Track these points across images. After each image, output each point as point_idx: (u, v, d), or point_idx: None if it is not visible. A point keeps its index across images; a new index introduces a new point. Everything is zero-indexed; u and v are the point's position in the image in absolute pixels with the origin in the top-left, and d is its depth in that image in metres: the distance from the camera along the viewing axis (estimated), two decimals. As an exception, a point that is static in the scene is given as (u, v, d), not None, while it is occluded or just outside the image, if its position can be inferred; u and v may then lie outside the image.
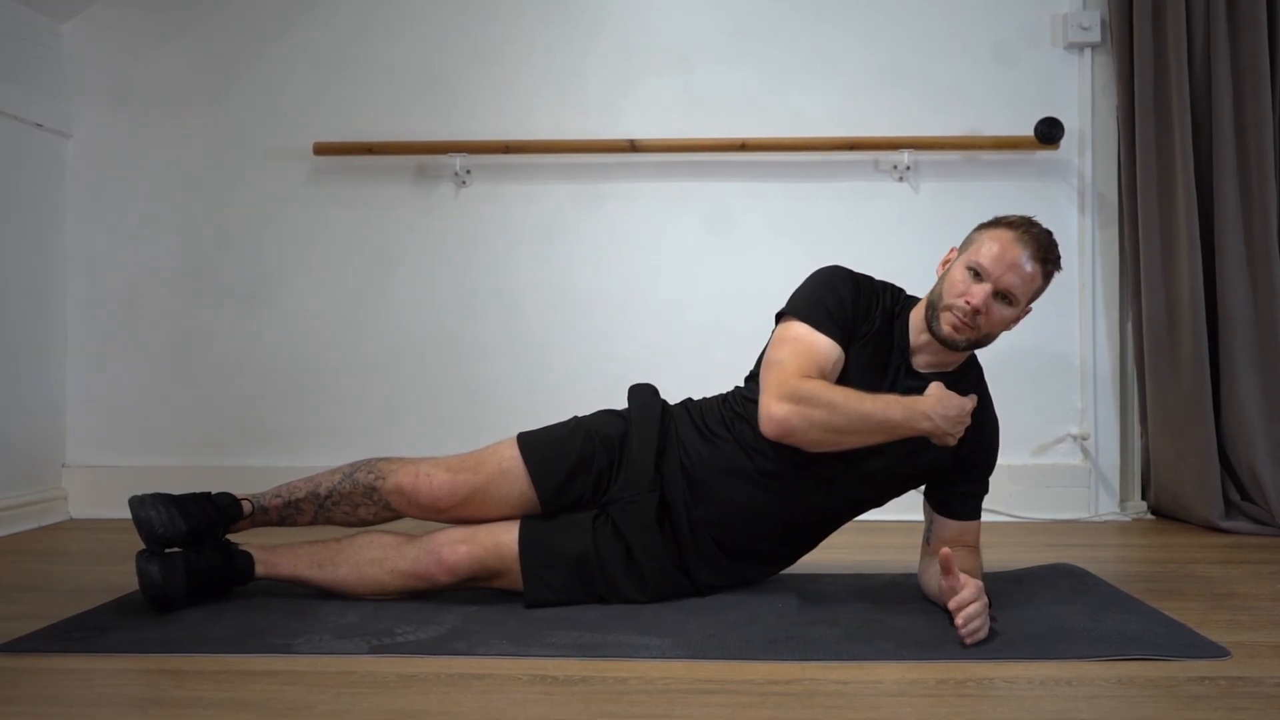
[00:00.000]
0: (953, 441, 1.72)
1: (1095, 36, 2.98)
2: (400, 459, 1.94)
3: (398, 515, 1.94)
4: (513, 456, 1.90)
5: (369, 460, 1.95)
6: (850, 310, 1.84)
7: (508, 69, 3.08)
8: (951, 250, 1.89)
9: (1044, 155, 2.99)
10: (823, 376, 1.78)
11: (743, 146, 2.98)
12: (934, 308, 1.82)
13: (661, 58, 3.06)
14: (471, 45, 3.08)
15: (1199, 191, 2.84)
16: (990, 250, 1.76)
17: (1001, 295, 1.76)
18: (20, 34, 2.92)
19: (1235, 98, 2.83)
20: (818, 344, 1.80)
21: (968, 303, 1.75)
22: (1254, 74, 2.81)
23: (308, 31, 3.11)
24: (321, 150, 3.03)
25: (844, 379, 1.82)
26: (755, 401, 1.81)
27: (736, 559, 1.92)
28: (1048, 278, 1.80)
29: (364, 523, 1.95)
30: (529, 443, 1.93)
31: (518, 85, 3.07)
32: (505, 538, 1.85)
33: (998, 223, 1.81)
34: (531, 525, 1.87)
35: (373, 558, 1.88)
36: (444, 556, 1.84)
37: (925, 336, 1.85)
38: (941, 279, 1.84)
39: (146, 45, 3.13)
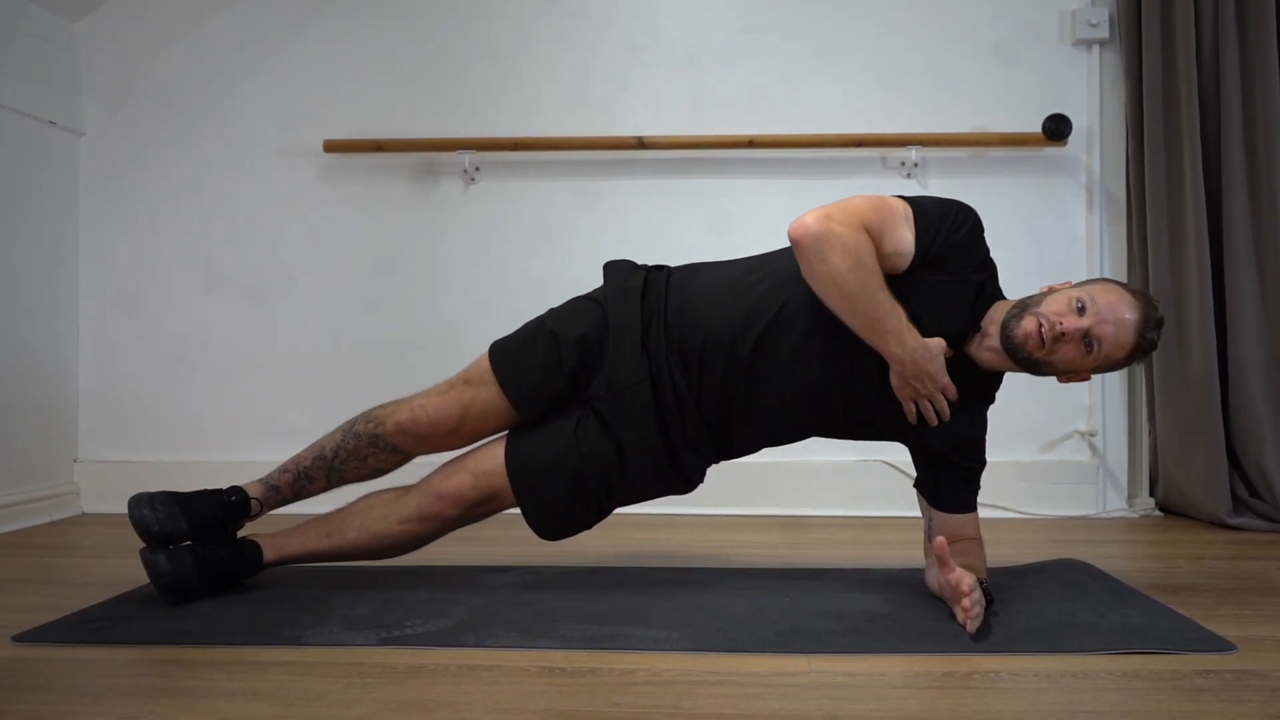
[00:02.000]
0: (902, 399, 1.75)
1: (1104, 33, 2.98)
2: (393, 402, 1.97)
3: (407, 456, 1.97)
4: (489, 368, 1.94)
5: (364, 413, 1.98)
6: (951, 251, 1.78)
7: (516, 67, 3.09)
8: (1066, 282, 1.85)
9: (1052, 152, 2.99)
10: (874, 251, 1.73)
11: (750, 143, 2.99)
12: (1024, 308, 1.77)
13: (669, 55, 3.07)
14: (480, 43, 3.10)
15: (1207, 188, 2.83)
16: (1106, 297, 1.74)
17: (1089, 341, 1.73)
18: (33, 32, 2.94)
19: (1244, 94, 2.83)
20: (899, 228, 1.75)
21: (1060, 323, 1.71)
22: (1263, 70, 2.81)
23: (317, 30, 3.12)
24: (331, 148, 3.05)
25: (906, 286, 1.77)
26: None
27: (718, 432, 1.91)
28: (1127, 359, 1.76)
29: (377, 472, 1.98)
30: (497, 352, 1.95)
31: (526, 83, 3.09)
32: (495, 458, 1.90)
33: (1125, 285, 1.79)
34: (516, 447, 1.90)
35: (378, 515, 1.93)
36: (444, 490, 1.90)
37: (994, 330, 1.80)
38: (1043, 295, 1.79)
39: (158, 43, 3.15)
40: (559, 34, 3.09)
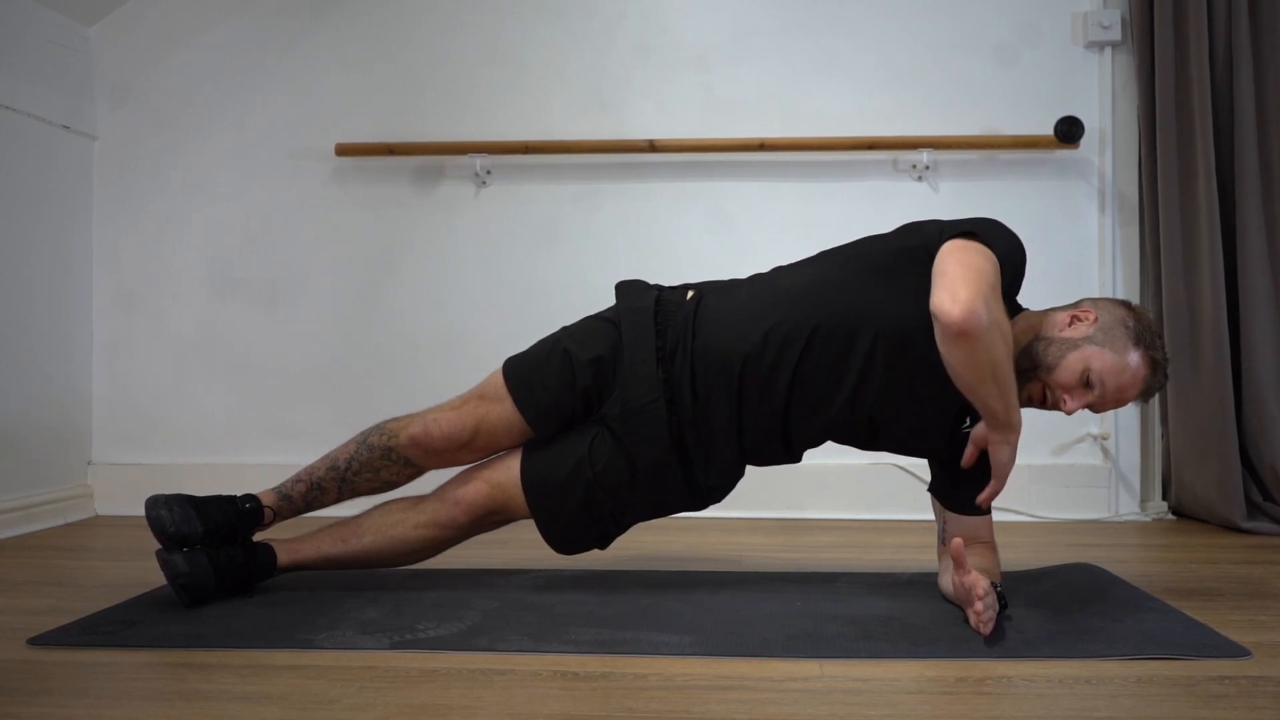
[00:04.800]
0: (1001, 465, 1.74)
1: (1116, 35, 2.97)
2: (407, 415, 1.98)
3: (419, 470, 1.98)
4: (503, 384, 1.95)
5: (377, 425, 1.99)
6: (1016, 284, 1.82)
7: (527, 70, 3.09)
8: (1089, 311, 1.79)
9: (1064, 154, 2.98)
10: None
11: (761, 146, 2.98)
12: (1037, 363, 1.77)
13: (680, 57, 3.08)
14: (491, 47, 3.10)
15: (1220, 190, 2.82)
16: (1117, 379, 1.74)
17: (1089, 405, 1.78)
18: (48, 37, 2.96)
19: (1257, 96, 2.81)
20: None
21: (1065, 400, 1.75)
22: (1276, 72, 2.80)
23: (330, 33, 3.14)
24: (343, 151, 3.06)
25: None
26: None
27: (748, 454, 1.90)
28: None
29: (389, 485, 1.99)
30: (512, 369, 1.97)
31: (537, 86, 3.09)
32: (511, 470, 1.92)
33: (1151, 352, 1.76)
34: (531, 461, 1.91)
35: (394, 520, 1.95)
36: (459, 497, 1.93)
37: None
38: (1063, 342, 1.77)
39: (171, 47, 3.16)
40: (570, 37, 3.09)
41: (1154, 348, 1.77)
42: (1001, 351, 1.64)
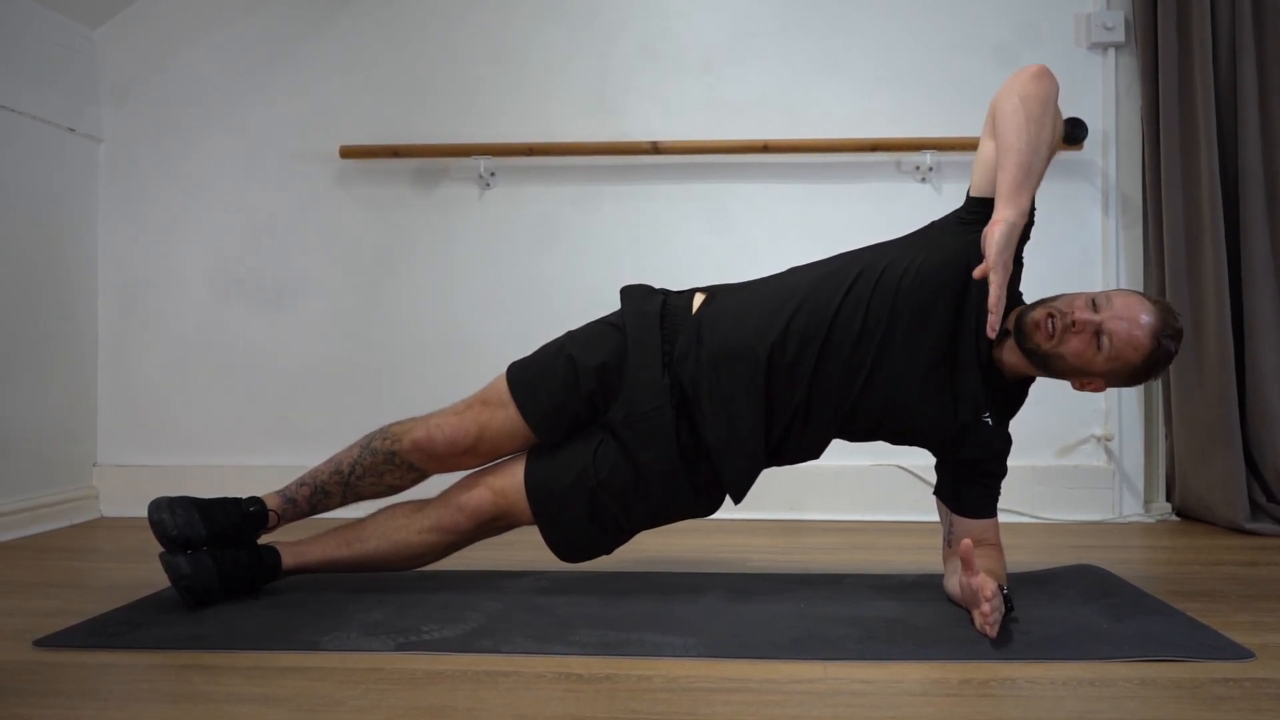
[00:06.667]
0: (999, 265, 1.65)
1: (1119, 36, 2.97)
2: (410, 419, 1.98)
3: (423, 474, 1.98)
4: (506, 389, 1.95)
5: (381, 429, 2.00)
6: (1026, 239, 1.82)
7: (531, 72, 3.10)
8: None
9: (1067, 156, 2.98)
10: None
11: (765, 148, 2.99)
12: (1039, 304, 1.79)
13: (683, 59, 3.08)
14: (495, 48, 3.11)
15: (1224, 191, 2.82)
16: (1124, 299, 1.74)
17: (1100, 336, 1.71)
18: (53, 39, 2.96)
19: (1261, 97, 2.81)
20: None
21: (1072, 314, 1.71)
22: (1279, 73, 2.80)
23: (334, 36, 3.14)
24: (347, 153, 3.06)
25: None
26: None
27: (766, 445, 1.88)
28: (1144, 365, 1.73)
29: (393, 489, 2.00)
30: (515, 374, 1.97)
31: (541, 88, 3.10)
32: (515, 476, 1.93)
33: (1147, 295, 1.82)
34: (536, 469, 1.91)
35: (398, 525, 1.96)
36: (464, 503, 1.93)
37: (1013, 328, 1.80)
38: (1061, 294, 1.81)
39: (176, 50, 3.17)
40: (574, 38, 3.10)
41: (1158, 300, 1.79)
42: (1049, 125, 1.75)
